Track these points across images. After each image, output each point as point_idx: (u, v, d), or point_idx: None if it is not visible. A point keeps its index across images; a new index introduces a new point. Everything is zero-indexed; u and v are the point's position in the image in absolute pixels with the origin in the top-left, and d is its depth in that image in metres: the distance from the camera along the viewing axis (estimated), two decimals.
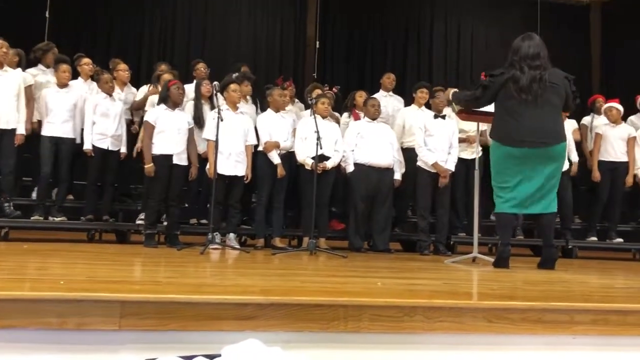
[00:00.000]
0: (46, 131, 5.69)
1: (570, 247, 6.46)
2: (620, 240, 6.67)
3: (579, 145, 6.81)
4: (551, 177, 4.07)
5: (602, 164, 6.58)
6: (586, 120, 6.93)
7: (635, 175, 6.50)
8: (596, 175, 6.54)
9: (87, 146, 5.66)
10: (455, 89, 4.63)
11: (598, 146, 6.60)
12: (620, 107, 6.65)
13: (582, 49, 11.23)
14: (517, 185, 4.06)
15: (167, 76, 6.07)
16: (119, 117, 5.84)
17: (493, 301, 2.10)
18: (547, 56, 4.13)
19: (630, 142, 6.54)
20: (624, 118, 6.84)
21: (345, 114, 6.68)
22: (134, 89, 6.55)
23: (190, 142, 5.42)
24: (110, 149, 5.76)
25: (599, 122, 6.79)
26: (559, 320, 2.02)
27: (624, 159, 6.53)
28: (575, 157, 6.41)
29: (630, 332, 2.05)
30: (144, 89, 6.36)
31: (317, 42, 10.39)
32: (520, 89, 4.02)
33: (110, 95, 5.81)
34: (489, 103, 4.29)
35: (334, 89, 6.87)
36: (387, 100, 7.00)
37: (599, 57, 11.56)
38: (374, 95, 6.75)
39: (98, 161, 5.71)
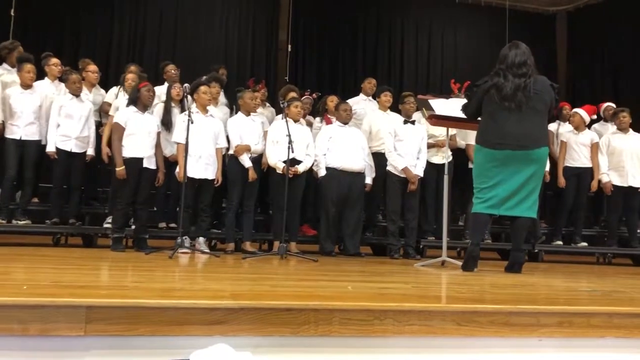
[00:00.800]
0: (10, 133, 5.57)
1: (536, 250, 6.58)
2: (585, 244, 6.82)
3: None
4: (531, 180, 4.12)
5: (567, 169, 6.72)
6: (552, 127, 7.07)
7: (599, 181, 6.66)
8: (561, 181, 6.68)
9: (50, 148, 5.55)
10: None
11: (563, 153, 6.75)
12: (584, 114, 6.80)
13: (549, 57, 11.50)
14: (496, 185, 4.13)
15: (131, 76, 6.00)
16: (85, 118, 5.72)
17: (461, 304, 2.12)
18: (533, 64, 4.19)
19: (594, 148, 6.70)
20: (589, 125, 7.01)
21: (317, 119, 6.69)
22: (102, 91, 6.45)
23: (157, 146, 5.36)
24: (74, 151, 5.65)
25: (564, 130, 6.94)
26: (526, 323, 2.05)
27: (588, 164, 6.69)
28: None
29: (594, 334, 2.10)
30: (113, 90, 6.26)
31: (289, 46, 10.40)
32: (503, 97, 4.08)
33: (77, 96, 5.71)
34: (478, 111, 4.31)
35: (313, 95, 6.87)
36: (366, 104, 7.05)
37: (565, 65, 11.86)
38: (354, 99, 6.81)
39: (62, 163, 5.59)
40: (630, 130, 6.72)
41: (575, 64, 11.71)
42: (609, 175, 6.61)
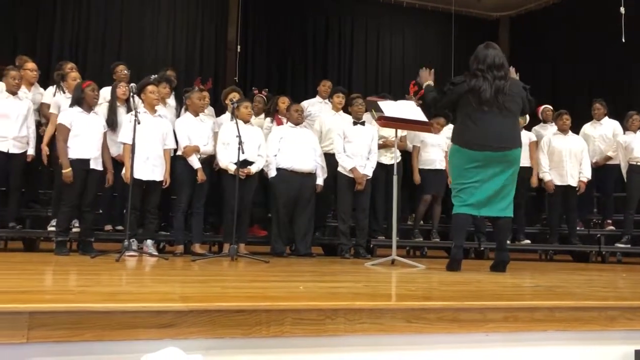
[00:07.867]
0: None
1: (482, 248, 6.76)
2: (528, 241, 7.05)
3: None
4: (508, 181, 4.18)
5: None
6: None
7: (541, 179, 6.90)
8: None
9: None
10: (430, 83, 4.54)
11: None
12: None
13: None
14: (476, 186, 4.13)
15: (75, 75, 5.82)
16: (24, 117, 5.51)
17: (411, 302, 2.16)
18: (507, 66, 4.24)
19: (532, 146, 6.95)
20: (529, 128, 7.27)
21: (268, 119, 6.67)
22: (41, 89, 6.20)
23: (104, 146, 5.22)
24: (11, 151, 5.43)
25: None
26: (473, 318, 2.10)
27: (527, 164, 6.90)
28: None
29: (537, 328, 2.17)
30: (50, 90, 6.04)
31: (239, 46, 10.31)
32: (482, 100, 4.08)
33: (15, 94, 5.48)
34: (445, 109, 4.32)
35: (263, 92, 6.83)
36: (322, 106, 7.06)
37: None
38: (310, 100, 6.84)
39: (0, 165, 5.36)
40: (570, 131, 6.98)
41: (516, 66, 12.09)
42: (550, 174, 6.86)
